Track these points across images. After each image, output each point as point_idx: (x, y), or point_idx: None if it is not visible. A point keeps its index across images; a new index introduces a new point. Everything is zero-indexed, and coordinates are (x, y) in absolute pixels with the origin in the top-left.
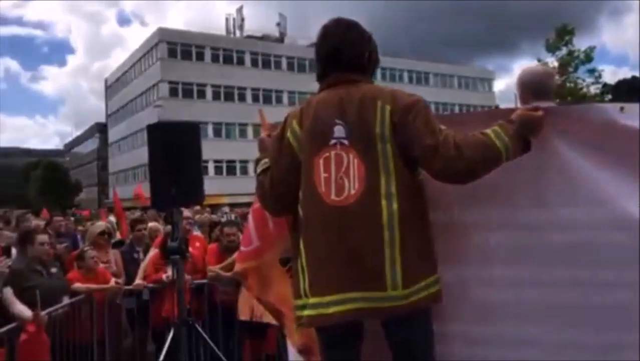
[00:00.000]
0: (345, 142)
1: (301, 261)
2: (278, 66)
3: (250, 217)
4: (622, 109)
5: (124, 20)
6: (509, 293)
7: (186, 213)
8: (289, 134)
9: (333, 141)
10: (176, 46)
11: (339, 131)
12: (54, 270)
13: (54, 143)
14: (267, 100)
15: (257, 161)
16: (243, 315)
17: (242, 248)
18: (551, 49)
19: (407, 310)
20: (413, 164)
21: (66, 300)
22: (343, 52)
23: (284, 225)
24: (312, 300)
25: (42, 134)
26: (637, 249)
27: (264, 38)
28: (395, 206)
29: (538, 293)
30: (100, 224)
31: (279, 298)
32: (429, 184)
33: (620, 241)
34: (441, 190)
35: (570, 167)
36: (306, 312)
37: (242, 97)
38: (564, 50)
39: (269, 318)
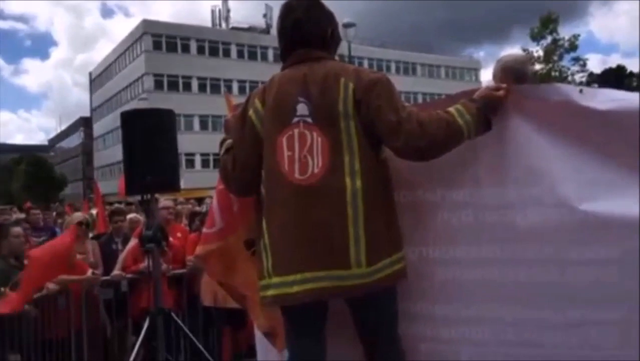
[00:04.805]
0: (309, 120)
1: (264, 241)
2: (264, 57)
3: (214, 198)
4: (581, 91)
5: (107, 12)
6: (472, 272)
7: (167, 202)
8: (251, 112)
9: (296, 119)
10: (161, 38)
11: (302, 108)
12: (27, 263)
13: (38, 138)
14: None
15: (222, 142)
16: (206, 301)
17: (205, 230)
18: (536, 38)
19: (371, 288)
20: (377, 141)
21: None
22: (306, 28)
23: (249, 206)
24: (275, 280)
25: (26, 128)
26: (598, 230)
27: (250, 29)
28: (359, 183)
29: (500, 271)
30: (78, 215)
31: (243, 282)
32: (392, 163)
33: (583, 220)
34: (405, 169)
35: (530, 146)
36: (270, 292)
37: (229, 90)
38: (548, 39)
39: (232, 303)
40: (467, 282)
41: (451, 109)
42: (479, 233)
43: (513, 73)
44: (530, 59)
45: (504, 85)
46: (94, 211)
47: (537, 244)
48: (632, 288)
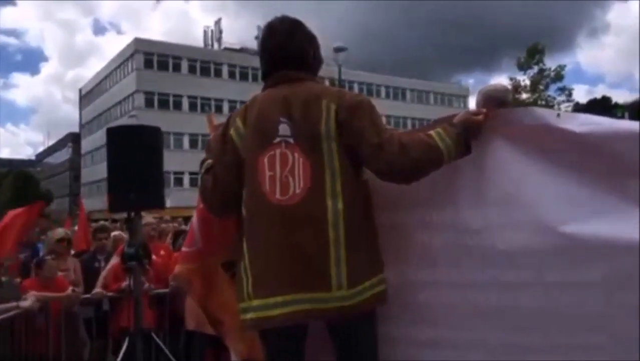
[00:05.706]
0: (290, 140)
1: (244, 263)
2: (256, 78)
3: (194, 217)
4: (558, 115)
5: (99, 29)
6: (453, 295)
7: (149, 219)
8: (232, 131)
9: (278, 139)
10: (152, 57)
11: (283, 129)
12: (4, 279)
13: (25, 153)
14: None
15: (202, 162)
16: (190, 325)
17: (184, 249)
18: (522, 67)
19: (352, 311)
20: (358, 163)
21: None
22: (288, 49)
23: (230, 228)
24: (255, 302)
25: (14, 143)
26: (579, 252)
27: (242, 50)
28: (340, 204)
29: (482, 295)
30: (60, 231)
31: (220, 306)
32: (373, 184)
33: (564, 243)
34: (386, 191)
35: (509, 169)
36: (250, 315)
37: (219, 109)
38: (535, 69)
39: (208, 329)
40: (449, 305)
41: (432, 132)
42: (459, 255)
43: (494, 100)
44: (513, 88)
45: (484, 110)
46: (77, 228)
47: (517, 267)
48: (617, 311)
